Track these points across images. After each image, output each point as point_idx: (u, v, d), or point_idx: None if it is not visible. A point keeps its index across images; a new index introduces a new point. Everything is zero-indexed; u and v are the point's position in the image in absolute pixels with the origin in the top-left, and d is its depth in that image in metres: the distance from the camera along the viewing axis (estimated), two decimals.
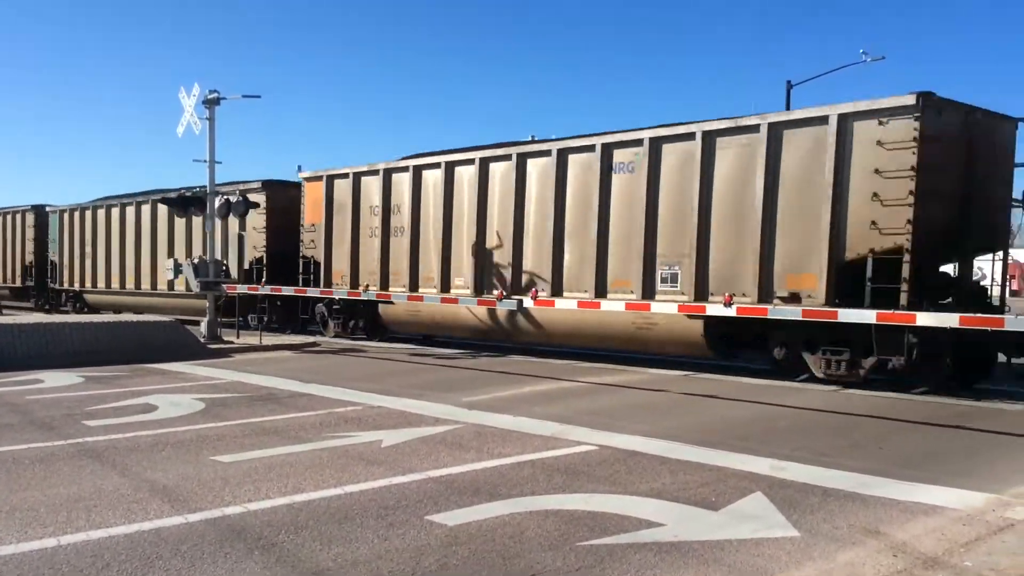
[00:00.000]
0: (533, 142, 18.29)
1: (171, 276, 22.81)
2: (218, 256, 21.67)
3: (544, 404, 11.63)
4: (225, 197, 21.35)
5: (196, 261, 21.40)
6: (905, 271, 12.63)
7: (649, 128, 15.97)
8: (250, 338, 21.02)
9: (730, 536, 5.80)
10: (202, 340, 19.74)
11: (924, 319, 12.04)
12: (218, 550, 5.44)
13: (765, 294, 14.14)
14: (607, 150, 16.42)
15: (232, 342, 20.20)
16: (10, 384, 13.30)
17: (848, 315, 12.64)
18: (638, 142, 15.95)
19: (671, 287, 15.50)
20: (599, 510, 6.40)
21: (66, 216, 31.86)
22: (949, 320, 11.80)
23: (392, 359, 17.91)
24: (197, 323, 21.16)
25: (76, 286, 31.44)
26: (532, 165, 17.81)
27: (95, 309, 29.98)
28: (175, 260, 22.84)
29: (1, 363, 15.27)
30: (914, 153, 12.57)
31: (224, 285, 21.52)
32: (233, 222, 22.46)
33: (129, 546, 5.51)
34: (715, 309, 14.20)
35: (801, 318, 13.26)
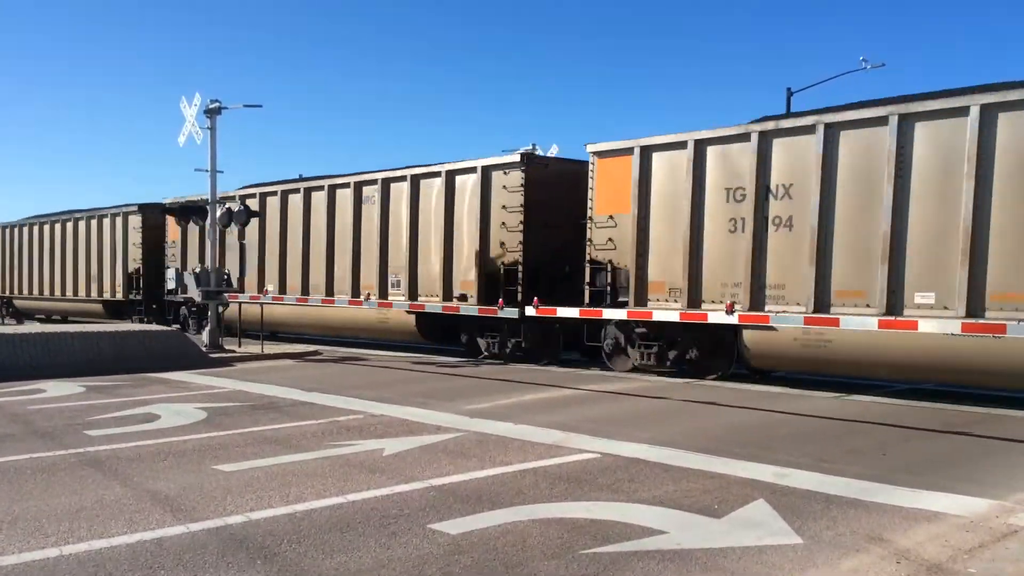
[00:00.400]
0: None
1: (171, 285, 22.91)
2: (230, 266, 21.80)
3: (546, 412, 11.62)
4: (227, 206, 21.41)
5: (198, 271, 21.43)
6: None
7: (382, 171, 21.15)
8: (252, 347, 21.02)
9: (733, 544, 5.79)
10: (204, 349, 19.76)
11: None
12: (220, 560, 5.44)
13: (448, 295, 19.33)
14: (358, 187, 21.62)
15: (234, 351, 20.21)
16: (12, 394, 13.31)
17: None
18: (374, 182, 21.13)
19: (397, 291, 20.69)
20: (602, 518, 6.39)
21: (5, 232, 35.63)
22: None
23: (393, 367, 17.91)
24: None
25: (6, 293, 35.64)
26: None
27: (26, 315, 34.43)
28: (176, 269, 22.91)
29: (3, 372, 15.29)
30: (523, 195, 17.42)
31: (226, 294, 21.55)
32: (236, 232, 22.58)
33: (131, 556, 5.51)
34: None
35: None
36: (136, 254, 28.33)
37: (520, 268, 17.80)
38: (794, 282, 14.09)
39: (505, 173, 18.08)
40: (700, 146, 15.22)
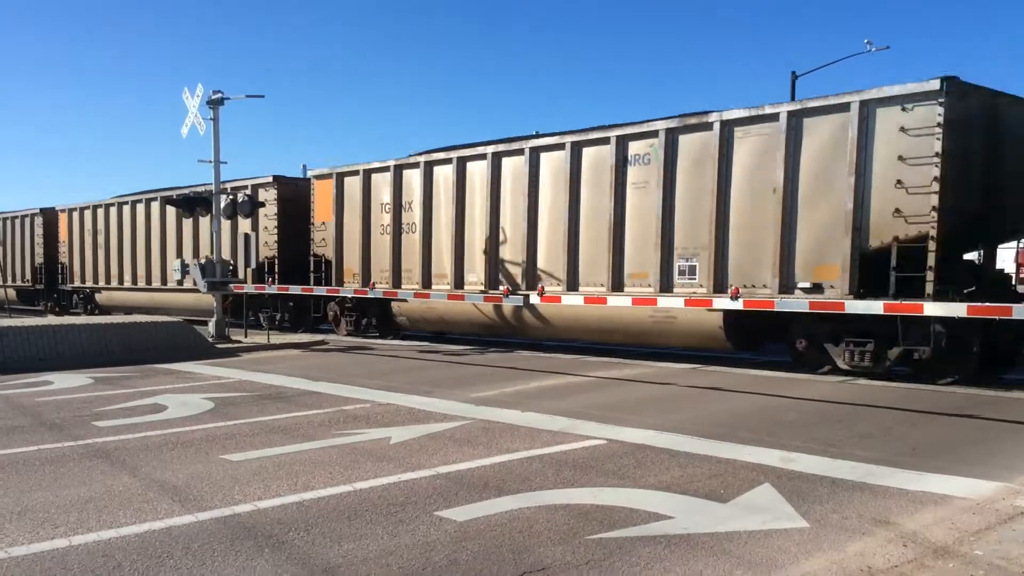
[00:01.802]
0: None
1: (178, 276, 22.88)
2: (226, 255, 21.74)
3: (552, 399, 11.64)
4: (231, 197, 21.41)
5: (203, 261, 21.46)
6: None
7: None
8: (258, 337, 21.08)
9: (739, 528, 5.80)
10: (210, 340, 19.81)
11: (931, 309, 12.03)
12: (229, 548, 5.46)
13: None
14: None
15: (240, 341, 20.26)
16: (20, 386, 13.36)
17: (855, 307, 12.67)
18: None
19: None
20: (608, 504, 6.40)
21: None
22: (957, 310, 11.76)
23: (400, 356, 17.94)
24: (205, 323, 21.25)
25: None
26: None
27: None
28: (182, 260, 22.94)
29: (11, 365, 15.36)
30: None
31: (231, 285, 21.58)
32: (243, 222, 22.58)
33: (140, 546, 5.54)
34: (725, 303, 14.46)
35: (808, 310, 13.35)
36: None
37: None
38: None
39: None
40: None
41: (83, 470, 7.66)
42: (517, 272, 18.27)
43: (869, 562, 5.15)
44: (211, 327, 20.68)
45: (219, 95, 20.87)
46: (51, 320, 21.05)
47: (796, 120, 14.06)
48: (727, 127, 14.93)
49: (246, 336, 21.16)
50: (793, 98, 29.52)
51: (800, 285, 13.95)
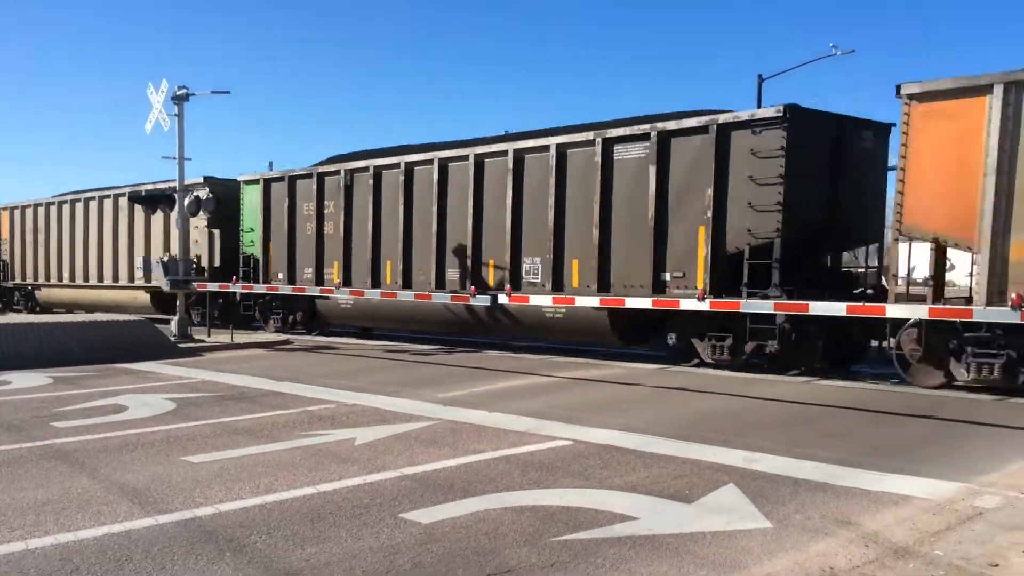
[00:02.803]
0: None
1: (140, 274, 22.62)
2: (176, 252, 21.52)
3: (519, 399, 11.63)
4: (195, 194, 21.16)
5: (166, 259, 21.18)
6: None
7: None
8: (222, 336, 20.85)
9: (703, 528, 5.83)
10: (173, 339, 19.55)
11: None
12: (189, 552, 5.38)
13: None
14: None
15: (203, 340, 20.02)
16: None
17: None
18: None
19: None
20: (574, 505, 6.40)
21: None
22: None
23: (366, 356, 17.83)
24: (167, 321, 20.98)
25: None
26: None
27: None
28: (144, 258, 22.64)
29: None
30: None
31: (195, 283, 21.33)
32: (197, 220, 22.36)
33: (99, 549, 5.44)
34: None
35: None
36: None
37: None
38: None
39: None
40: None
41: (41, 472, 7.51)
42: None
43: (831, 562, 5.19)
44: (173, 326, 20.40)
45: (184, 91, 20.61)
46: (10, 318, 20.66)
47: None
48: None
49: (209, 335, 20.92)
50: (759, 101, 29.85)
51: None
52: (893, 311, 12.51)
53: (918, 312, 12.31)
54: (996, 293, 11.72)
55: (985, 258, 11.77)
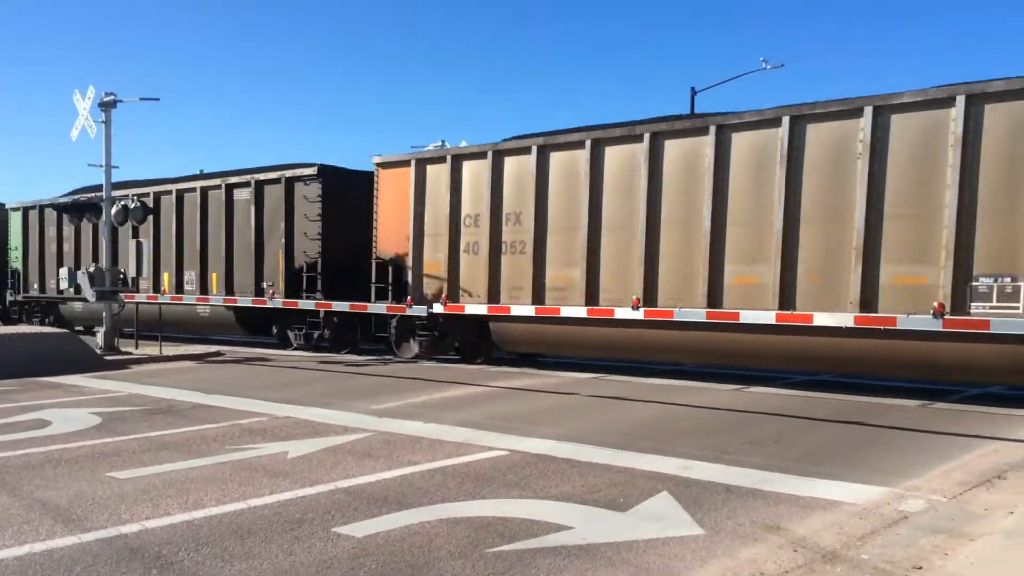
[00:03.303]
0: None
1: (64, 285, 21.95)
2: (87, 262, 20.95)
3: (455, 410, 11.59)
4: (123, 203, 20.64)
5: (92, 270, 20.58)
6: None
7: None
8: (150, 348, 20.34)
9: (637, 537, 5.87)
10: (98, 351, 19.01)
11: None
12: (114, 570, 5.22)
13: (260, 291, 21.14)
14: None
15: (131, 353, 19.51)
16: None
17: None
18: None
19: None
20: (509, 515, 6.39)
21: None
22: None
23: (299, 368, 17.59)
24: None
25: None
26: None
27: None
28: (69, 269, 21.97)
29: None
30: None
31: (122, 294, 20.79)
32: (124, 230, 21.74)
33: (19, 569, 5.24)
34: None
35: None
36: None
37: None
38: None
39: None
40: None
41: None
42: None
43: (761, 568, 5.28)
44: (100, 338, 19.83)
45: (111, 97, 20.11)
46: None
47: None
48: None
49: (137, 347, 20.40)
50: (692, 110, 30.31)
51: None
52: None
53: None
54: (420, 295, 18.14)
55: (412, 271, 18.22)
